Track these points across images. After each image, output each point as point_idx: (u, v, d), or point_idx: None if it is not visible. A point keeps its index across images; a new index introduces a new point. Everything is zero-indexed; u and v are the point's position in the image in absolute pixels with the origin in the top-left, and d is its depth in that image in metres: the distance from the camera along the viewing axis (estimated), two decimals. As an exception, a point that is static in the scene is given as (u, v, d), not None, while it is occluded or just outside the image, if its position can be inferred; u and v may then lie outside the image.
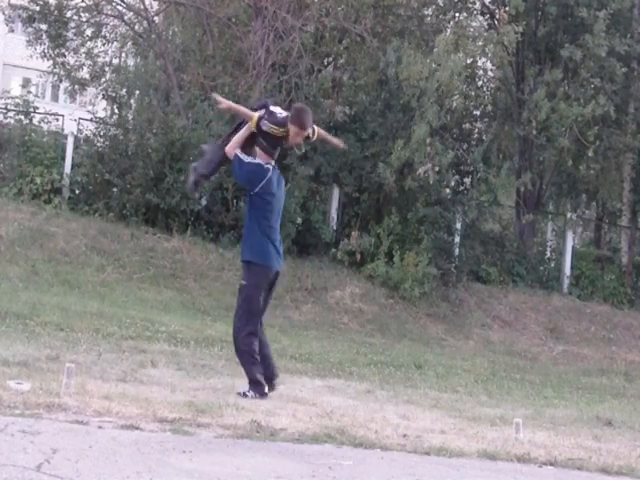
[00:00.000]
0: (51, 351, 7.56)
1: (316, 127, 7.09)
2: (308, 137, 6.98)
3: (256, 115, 6.75)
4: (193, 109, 17.31)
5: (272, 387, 6.83)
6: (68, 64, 20.26)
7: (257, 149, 6.84)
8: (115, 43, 20.99)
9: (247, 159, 6.74)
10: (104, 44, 20.51)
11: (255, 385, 6.63)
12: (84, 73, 20.81)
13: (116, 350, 8.39)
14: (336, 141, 7.78)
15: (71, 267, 14.34)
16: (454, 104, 18.56)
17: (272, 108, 6.89)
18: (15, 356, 6.96)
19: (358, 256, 16.88)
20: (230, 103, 7.27)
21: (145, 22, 19.16)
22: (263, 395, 6.60)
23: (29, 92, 19.39)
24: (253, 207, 6.77)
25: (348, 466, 4.79)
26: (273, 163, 6.85)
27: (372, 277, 16.72)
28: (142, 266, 15.03)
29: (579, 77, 18.71)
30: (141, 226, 16.24)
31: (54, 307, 10.65)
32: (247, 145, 6.87)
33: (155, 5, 20.39)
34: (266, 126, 6.71)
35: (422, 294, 16.50)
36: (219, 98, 7.26)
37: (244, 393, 6.58)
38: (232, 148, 6.82)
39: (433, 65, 16.43)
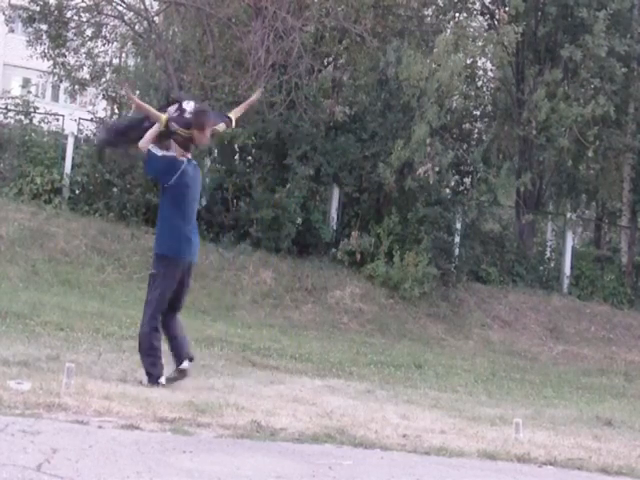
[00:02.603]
0: (51, 351, 7.56)
1: (232, 114, 7.31)
2: (217, 130, 7.15)
3: (164, 117, 6.87)
4: (193, 109, 17.27)
5: (182, 373, 6.89)
6: (68, 64, 20.20)
7: (172, 142, 6.98)
8: (115, 43, 20.92)
9: (160, 153, 6.89)
10: (104, 44, 20.45)
11: (150, 376, 6.77)
12: (84, 73, 20.75)
13: (116, 350, 8.40)
14: (254, 98, 7.91)
15: (71, 267, 14.35)
16: (454, 104, 18.56)
17: (185, 105, 7.02)
18: (15, 356, 6.97)
19: (358, 256, 16.86)
20: (139, 102, 7.45)
21: (145, 22, 19.12)
22: (156, 384, 6.65)
23: (29, 92, 19.34)
24: (166, 199, 6.92)
25: (348, 466, 4.79)
26: (189, 156, 7.02)
27: (372, 277, 16.71)
28: (142, 266, 15.00)
29: (579, 77, 18.69)
30: (141, 226, 16.23)
31: (54, 307, 10.66)
32: (163, 138, 6.99)
33: (155, 5, 20.35)
34: (174, 127, 6.88)
35: (422, 294, 16.50)
36: (130, 94, 7.52)
37: (141, 381, 6.73)
38: (145, 143, 6.93)
39: (433, 65, 16.41)
